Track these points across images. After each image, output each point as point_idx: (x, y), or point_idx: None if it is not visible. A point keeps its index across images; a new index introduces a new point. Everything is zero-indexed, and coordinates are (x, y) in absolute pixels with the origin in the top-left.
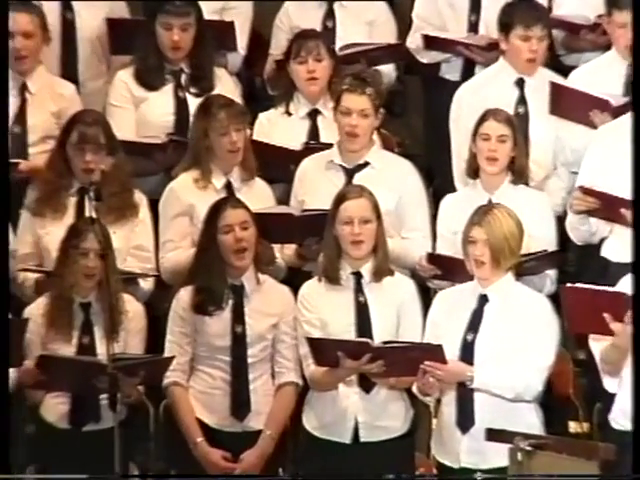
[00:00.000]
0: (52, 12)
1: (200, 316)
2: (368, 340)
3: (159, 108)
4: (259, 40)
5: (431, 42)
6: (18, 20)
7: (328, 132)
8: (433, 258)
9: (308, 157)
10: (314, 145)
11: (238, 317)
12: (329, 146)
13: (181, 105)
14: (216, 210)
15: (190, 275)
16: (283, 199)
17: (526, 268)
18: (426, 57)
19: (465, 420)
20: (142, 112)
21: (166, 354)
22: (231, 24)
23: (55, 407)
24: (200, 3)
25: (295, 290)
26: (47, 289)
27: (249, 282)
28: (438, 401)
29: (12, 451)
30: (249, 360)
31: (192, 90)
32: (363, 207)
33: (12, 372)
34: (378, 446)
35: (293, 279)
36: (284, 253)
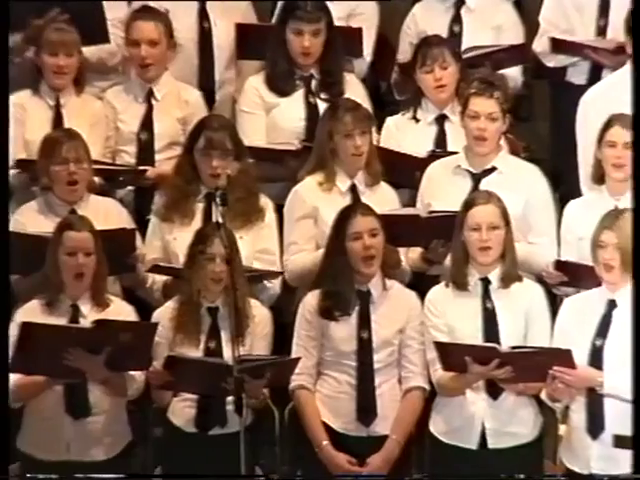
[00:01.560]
0: (189, 22)
1: (326, 321)
2: (496, 345)
3: (290, 114)
4: (385, 45)
5: (558, 45)
6: (143, 28)
7: (455, 138)
8: (561, 265)
9: (435, 162)
10: (440, 153)
11: (364, 323)
12: (455, 154)
13: (312, 110)
14: (345, 216)
15: (317, 279)
16: (408, 205)
17: None
18: (552, 61)
19: (595, 426)
20: (273, 118)
21: (293, 357)
22: (359, 30)
23: (182, 411)
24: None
25: (420, 294)
26: (175, 293)
27: (376, 288)
28: (566, 407)
29: (139, 451)
30: (375, 365)
31: (322, 95)
32: (491, 213)
33: (140, 375)
34: (506, 453)
35: (418, 283)
36: (409, 257)
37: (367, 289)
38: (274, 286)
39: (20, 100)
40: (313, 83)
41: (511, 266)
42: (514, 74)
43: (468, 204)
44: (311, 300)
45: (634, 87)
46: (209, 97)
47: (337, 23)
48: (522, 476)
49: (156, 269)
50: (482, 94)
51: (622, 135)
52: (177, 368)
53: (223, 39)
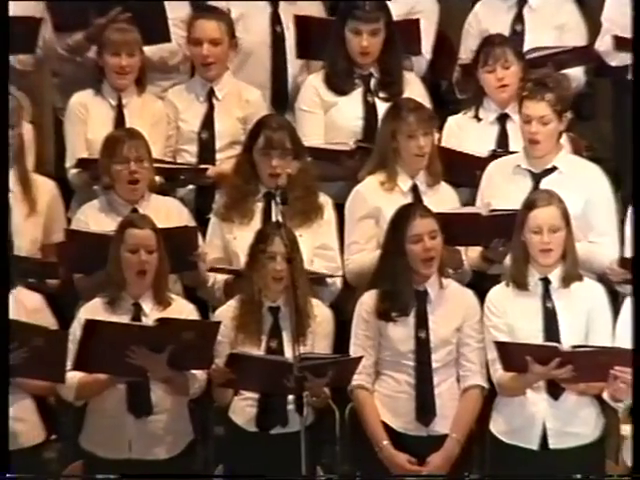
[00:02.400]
0: (261, 25)
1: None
2: (557, 344)
3: (348, 113)
4: (445, 43)
5: (621, 43)
6: (206, 27)
7: (517, 137)
8: (625, 262)
9: (495, 161)
10: (500, 153)
11: (422, 322)
12: (515, 154)
13: (370, 110)
14: (404, 218)
15: (374, 279)
16: (468, 204)
17: None
18: (615, 59)
19: None
20: (331, 117)
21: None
22: (416, 22)
23: (243, 410)
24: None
25: (480, 293)
26: (236, 292)
27: (433, 288)
28: (629, 407)
29: (201, 450)
30: (433, 365)
31: (381, 95)
32: (552, 215)
33: (201, 374)
34: (567, 453)
35: (479, 282)
36: (469, 256)
37: (424, 289)
38: (335, 284)
39: (82, 99)
40: (372, 82)
41: (572, 266)
42: (576, 73)
43: (529, 205)
44: (368, 300)
45: (634, 87)
46: (282, 100)
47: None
48: (579, 476)
49: (217, 269)
50: (533, 97)
51: None
52: (239, 366)
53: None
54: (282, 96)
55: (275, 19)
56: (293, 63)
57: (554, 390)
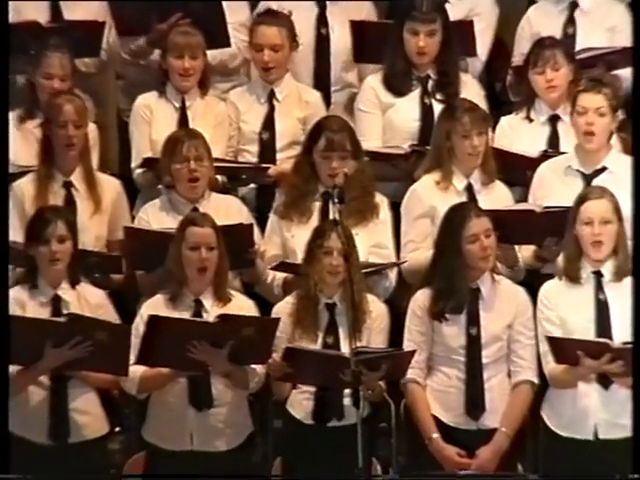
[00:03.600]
0: (307, 26)
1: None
2: (608, 341)
3: (405, 114)
4: (501, 46)
5: None
6: (267, 34)
7: (568, 138)
8: None
9: (546, 161)
10: (551, 153)
11: (473, 319)
12: (566, 154)
13: (426, 111)
14: (460, 217)
15: (428, 277)
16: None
17: None
18: None
19: None
20: (389, 118)
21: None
22: (470, 24)
23: (300, 403)
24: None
25: (533, 292)
26: (294, 289)
27: (485, 285)
28: None
29: (260, 442)
30: (484, 360)
31: (438, 96)
32: (604, 208)
33: (261, 368)
34: (617, 444)
35: (532, 281)
36: (522, 255)
37: (477, 286)
38: (390, 280)
39: (147, 101)
40: (429, 83)
41: (624, 260)
42: (627, 74)
43: (581, 199)
44: (421, 297)
45: (634, 89)
46: (325, 99)
47: None
48: (636, 476)
49: (278, 267)
50: (590, 90)
51: None
52: (296, 360)
53: (341, 44)
54: (325, 95)
55: (321, 20)
56: (337, 63)
57: (605, 381)
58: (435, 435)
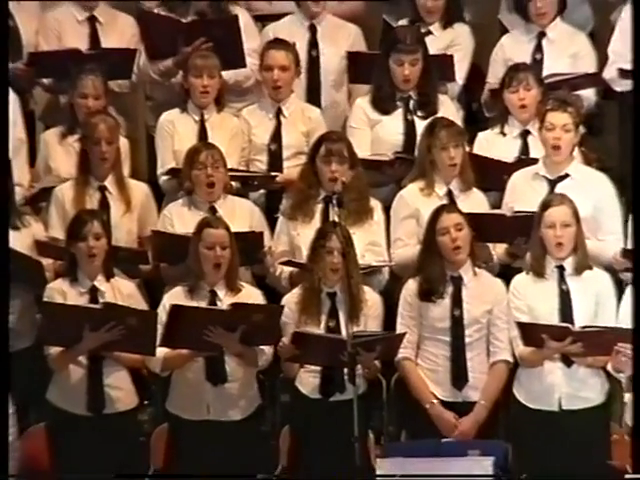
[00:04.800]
0: (300, 50)
1: (424, 303)
2: (569, 325)
3: (391, 129)
4: (477, 70)
5: (624, 74)
6: (276, 56)
7: (536, 149)
8: (627, 253)
9: (518, 171)
10: (524, 158)
11: (457, 302)
12: (537, 160)
13: (409, 126)
14: (435, 213)
15: (416, 268)
16: (496, 205)
17: None
18: (620, 86)
19: None
20: (376, 132)
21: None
22: (451, 57)
23: (307, 380)
24: (427, 41)
25: (506, 283)
26: (300, 281)
27: (466, 273)
28: (630, 378)
29: (269, 414)
30: (466, 340)
31: (419, 114)
32: (564, 213)
33: (268, 348)
34: (579, 413)
35: (505, 274)
36: (496, 252)
37: (458, 274)
38: (383, 274)
39: (170, 117)
40: (411, 103)
41: (582, 257)
42: (588, 94)
43: (544, 205)
44: (411, 285)
45: (634, 91)
46: None
47: (438, 53)
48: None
49: (286, 263)
50: (557, 109)
51: None
52: (302, 343)
53: (331, 65)
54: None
55: (312, 44)
56: (327, 83)
57: (567, 361)
58: (435, 400)
